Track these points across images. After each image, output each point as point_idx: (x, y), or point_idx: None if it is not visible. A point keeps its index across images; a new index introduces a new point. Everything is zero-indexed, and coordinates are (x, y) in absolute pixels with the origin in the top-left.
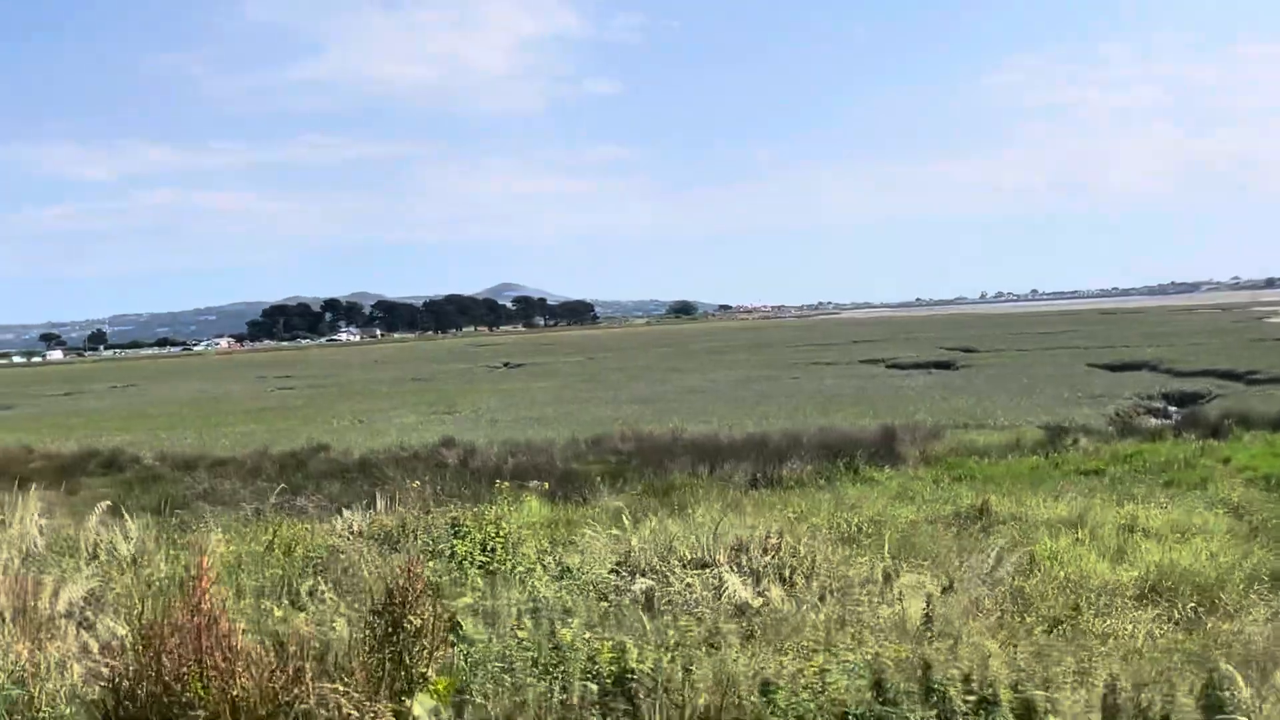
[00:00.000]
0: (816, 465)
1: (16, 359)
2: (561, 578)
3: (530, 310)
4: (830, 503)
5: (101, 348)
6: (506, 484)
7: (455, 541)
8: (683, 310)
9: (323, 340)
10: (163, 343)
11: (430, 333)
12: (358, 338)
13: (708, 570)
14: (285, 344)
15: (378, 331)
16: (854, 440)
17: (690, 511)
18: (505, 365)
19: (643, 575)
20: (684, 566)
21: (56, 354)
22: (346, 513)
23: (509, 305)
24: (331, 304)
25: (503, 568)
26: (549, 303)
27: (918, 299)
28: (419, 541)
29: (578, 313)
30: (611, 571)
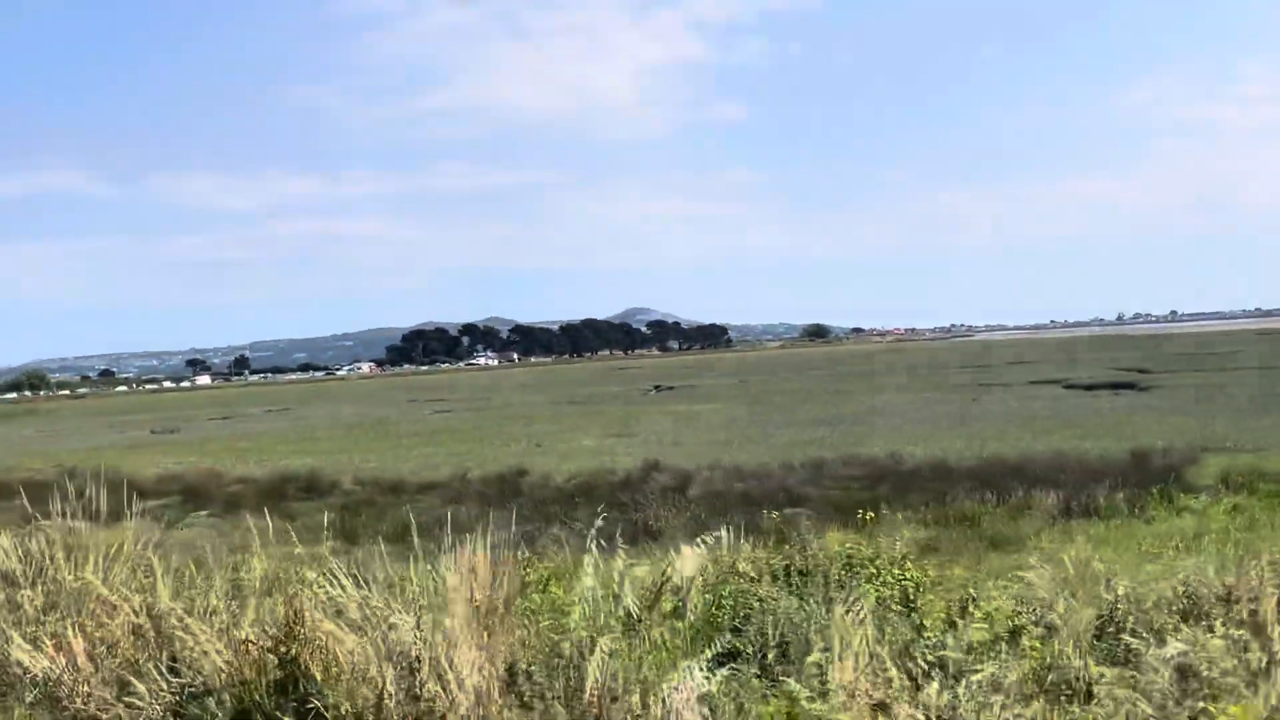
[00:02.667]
0: (1126, 493)
1: (166, 384)
2: (1048, 637)
3: (664, 334)
4: (1196, 536)
5: (246, 373)
6: (872, 514)
7: (865, 586)
8: (817, 333)
9: (461, 364)
10: (305, 368)
11: (566, 356)
12: (495, 362)
13: (1205, 628)
14: (424, 368)
15: (514, 355)
16: (1104, 465)
17: (1037, 547)
18: (656, 388)
19: (1146, 636)
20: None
21: (204, 379)
22: (687, 548)
23: (643, 329)
24: (469, 329)
25: (928, 620)
26: (681, 326)
27: (1052, 320)
28: (829, 583)
29: (712, 336)
30: (1096, 633)
